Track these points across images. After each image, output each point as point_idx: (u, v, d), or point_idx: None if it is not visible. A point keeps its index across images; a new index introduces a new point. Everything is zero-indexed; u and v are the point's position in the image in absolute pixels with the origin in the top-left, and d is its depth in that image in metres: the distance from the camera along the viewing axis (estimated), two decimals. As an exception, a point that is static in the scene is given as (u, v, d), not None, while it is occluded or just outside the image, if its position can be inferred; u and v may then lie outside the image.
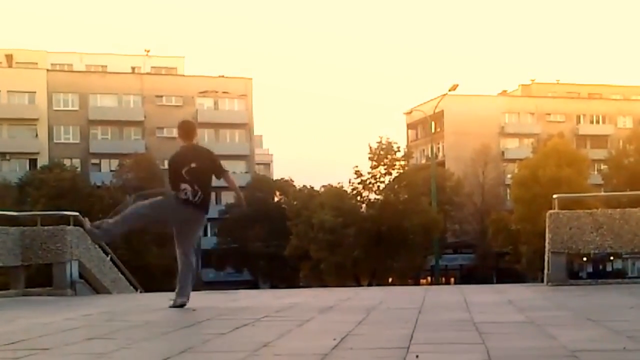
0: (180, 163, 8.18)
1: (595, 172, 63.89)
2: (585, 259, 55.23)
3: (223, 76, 71.66)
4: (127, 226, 8.64)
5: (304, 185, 57.28)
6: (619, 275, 59.08)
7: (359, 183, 50.44)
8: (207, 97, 70.47)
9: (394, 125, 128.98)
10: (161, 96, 68.94)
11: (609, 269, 66.74)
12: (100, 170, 65.34)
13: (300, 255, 49.81)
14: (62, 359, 4.78)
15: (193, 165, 8.08)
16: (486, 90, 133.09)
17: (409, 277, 51.16)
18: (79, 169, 60.36)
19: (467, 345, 4.81)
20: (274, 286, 51.27)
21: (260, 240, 56.70)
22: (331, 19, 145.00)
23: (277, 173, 72.80)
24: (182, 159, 8.21)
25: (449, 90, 49.34)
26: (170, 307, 8.21)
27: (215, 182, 8.42)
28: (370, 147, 50.30)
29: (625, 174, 57.11)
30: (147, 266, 43.82)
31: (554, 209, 11.40)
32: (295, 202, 53.36)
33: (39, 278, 13.50)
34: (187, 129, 8.44)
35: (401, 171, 50.82)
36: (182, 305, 8.22)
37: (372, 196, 50.55)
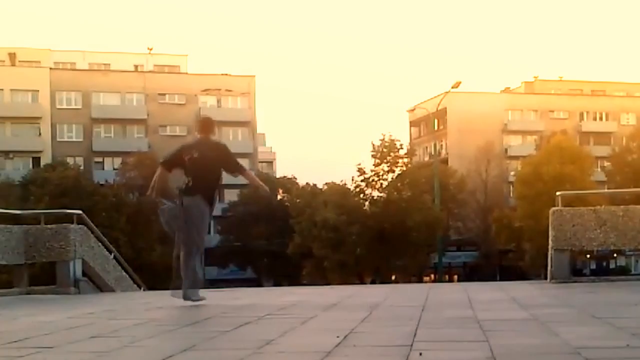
0: (185, 151, 8.58)
1: (599, 169, 63.84)
2: (588, 256, 55.19)
3: (226, 74, 71.63)
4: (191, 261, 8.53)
5: (307, 183, 57.30)
6: (623, 272, 58.99)
7: (362, 181, 50.44)
8: (210, 95, 70.45)
9: (397, 123, 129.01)
10: (164, 94, 68.94)
11: (612, 266, 66.64)
12: (103, 169, 65.38)
13: (303, 253, 49.84)
14: (65, 357, 4.79)
15: (195, 154, 8.41)
16: (489, 87, 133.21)
17: (412, 274, 51.16)
18: (82, 167, 60.32)
19: (471, 343, 4.81)
20: (277, 284, 51.29)
21: (263, 238, 56.71)
22: (333, 19, 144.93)
23: (280, 171, 72.86)
24: (188, 148, 8.63)
25: (452, 88, 49.29)
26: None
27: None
28: (373, 145, 50.31)
29: (629, 171, 57.09)
30: (151, 264, 43.85)
31: (557, 206, 11.39)
32: (298, 200, 53.39)
33: (43, 276, 13.51)
34: (202, 124, 8.90)
35: (404, 169, 50.82)
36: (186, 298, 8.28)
37: (375, 194, 50.56)
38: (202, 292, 8.57)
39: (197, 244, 8.43)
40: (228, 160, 8.63)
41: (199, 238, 8.48)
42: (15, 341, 5.47)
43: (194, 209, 8.37)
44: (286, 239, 51.82)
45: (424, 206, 48.12)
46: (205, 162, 8.37)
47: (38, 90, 65.79)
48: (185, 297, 8.29)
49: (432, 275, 55.33)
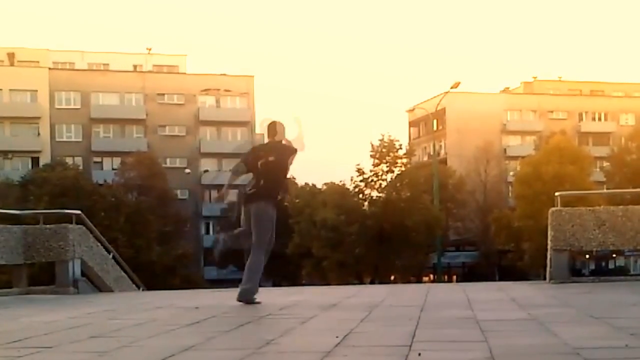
0: (260, 154, 8.65)
1: (598, 170, 63.82)
2: (587, 256, 55.19)
3: (225, 74, 71.60)
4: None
5: (306, 183, 57.26)
6: (622, 272, 59.02)
7: (361, 181, 50.41)
8: (209, 95, 70.42)
9: (396, 123, 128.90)
10: (163, 94, 68.91)
11: (611, 266, 66.68)
12: (102, 169, 65.35)
13: (303, 253, 49.81)
14: (65, 357, 4.79)
15: (271, 158, 8.51)
16: (488, 87, 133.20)
17: (411, 274, 51.12)
18: (81, 167, 60.31)
19: (470, 343, 4.82)
20: (276, 284, 51.26)
21: (262, 238, 56.62)
22: (332, 19, 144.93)
23: (279, 171, 72.69)
24: (263, 152, 8.68)
25: (451, 88, 49.27)
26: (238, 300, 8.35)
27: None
28: (372, 145, 50.28)
29: (628, 171, 57.10)
30: (150, 264, 43.87)
31: (557, 206, 11.39)
32: (297, 200, 53.35)
33: (42, 276, 13.52)
34: (272, 128, 8.83)
35: (403, 169, 50.79)
36: (244, 299, 8.31)
37: (374, 194, 50.53)
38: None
39: (270, 246, 8.65)
40: (290, 157, 8.79)
41: (272, 240, 8.64)
42: (15, 341, 5.48)
43: (264, 214, 8.48)
44: (285, 239, 51.76)
45: (423, 206, 48.10)
46: (280, 166, 8.56)
47: (37, 90, 65.78)
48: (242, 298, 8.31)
49: (431, 276, 55.32)
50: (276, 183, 8.63)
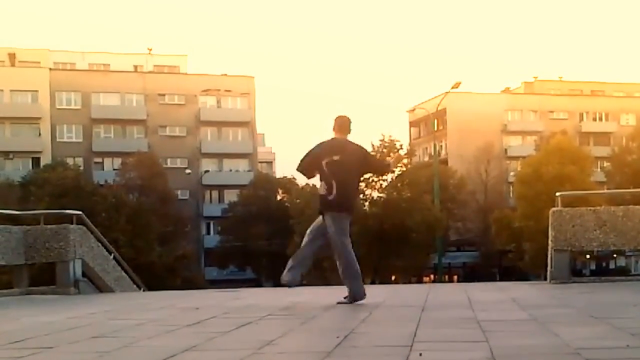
0: (324, 153, 7.92)
1: (599, 170, 63.83)
2: (588, 256, 55.15)
3: (226, 74, 71.60)
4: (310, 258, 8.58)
5: (306, 184, 57.22)
6: (623, 272, 59.00)
7: (361, 181, 50.38)
8: (210, 96, 70.41)
9: (396, 123, 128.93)
10: (164, 95, 68.90)
11: (612, 266, 66.65)
12: (103, 169, 65.35)
13: (303, 254, 49.71)
14: (66, 357, 4.79)
15: (335, 158, 7.81)
16: (489, 87, 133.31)
17: (412, 275, 51.08)
18: (82, 168, 60.33)
19: (471, 343, 4.82)
20: (276, 284, 51.22)
21: (263, 238, 56.67)
22: (333, 19, 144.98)
23: (280, 171, 72.75)
24: (326, 149, 7.95)
25: (452, 88, 49.21)
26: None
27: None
28: (373, 145, 50.24)
29: (629, 171, 57.08)
30: (150, 264, 43.81)
31: (557, 206, 11.39)
32: (297, 201, 53.32)
33: (43, 277, 13.51)
34: (340, 123, 8.19)
35: (404, 169, 50.73)
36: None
37: (375, 194, 50.49)
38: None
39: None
40: (370, 163, 8.28)
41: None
42: (15, 341, 5.48)
43: (344, 223, 7.99)
44: (286, 239, 51.78)
45: (424, 206, 48.04)
46: (347, 167, 7.80)
47: (38, 91, 65.80)
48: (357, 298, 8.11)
49: (432, 276, 55.29)
50: (349, 188, 7.88)
